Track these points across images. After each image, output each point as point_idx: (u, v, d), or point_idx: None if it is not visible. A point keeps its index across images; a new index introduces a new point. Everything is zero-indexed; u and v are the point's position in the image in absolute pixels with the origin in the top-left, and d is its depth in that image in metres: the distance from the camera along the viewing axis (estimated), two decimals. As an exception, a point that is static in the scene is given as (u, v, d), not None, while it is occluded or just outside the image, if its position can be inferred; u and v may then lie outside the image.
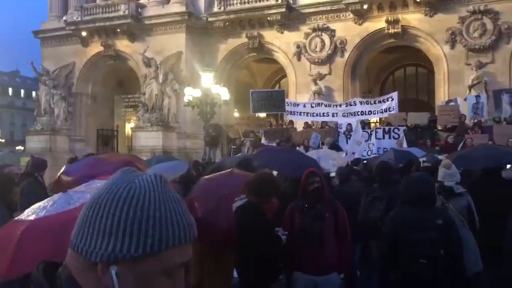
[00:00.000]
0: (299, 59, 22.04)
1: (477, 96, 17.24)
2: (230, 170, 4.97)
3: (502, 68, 18.68)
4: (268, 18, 22.08)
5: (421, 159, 8.23)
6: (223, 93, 16.73)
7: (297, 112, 18.37)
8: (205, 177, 4.74)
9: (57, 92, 24.29)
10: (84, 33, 24.54)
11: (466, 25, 19.01)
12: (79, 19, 24.37)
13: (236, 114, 24.38)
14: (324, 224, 4.12)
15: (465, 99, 17.37)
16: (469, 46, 18.94)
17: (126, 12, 23.40)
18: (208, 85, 16.24)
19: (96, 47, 24.84)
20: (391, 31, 20.23)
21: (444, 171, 5.86)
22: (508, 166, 7.23)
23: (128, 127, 26.78)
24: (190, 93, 16.49)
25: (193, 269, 4.23)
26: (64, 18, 25.22)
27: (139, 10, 23.92)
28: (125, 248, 0.94)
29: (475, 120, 16.02)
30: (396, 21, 20.06)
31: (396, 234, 3.85)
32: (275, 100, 18.19)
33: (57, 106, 24.21)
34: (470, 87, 18.61)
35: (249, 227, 3.67)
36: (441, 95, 19.45)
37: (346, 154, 12.84)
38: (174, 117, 21.73)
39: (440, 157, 8.53)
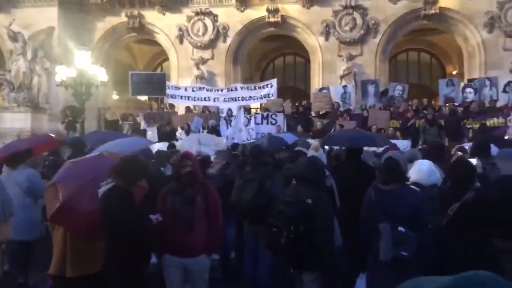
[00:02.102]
0: (181, 42, 21.76)
1: (345, 86, 18.61)
2: (99, 153, 4.76)
3: (369, 61, 20.33)
4: (150, -2, 21.42)
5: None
6: (101, 74, 15.89)
7: (178, 95, 18.18)
8: (71, 160, 4.47)
9: None
10: None
11: (338, 19, 20.31)
12: None
13: (115, 96, 23.35)
14: (195, 207, 4.16)
15: (335, 89, 18.63)
16: (341, 38, 20.28)
17: (-12, -21, 20.99)
18: (84, 65, 15.28)
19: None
20: (272, 20, 20.85)
21: (312, 154, 6.27)
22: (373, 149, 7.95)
23: (-10, 107, 24.18)
24: (63, 72, 15.38)
25: (54, 258, 4.00)
26: None
27: (4, -22, 21.58)
28: None
29: (345, 108, 17.29)
30: (276, 11, 20.71)
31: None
32: (155, 83, 17.75)
33: None
34: (342, 77, 20.02)
35: (115, 212, 3.56)
36: (316, 84, 20.60)
37: (226, 139, 13.04)
38: (45, 97, 20.07)
39: (310, 141, 9.06)
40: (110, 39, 22.68)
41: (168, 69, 23.27)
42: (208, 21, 21.41)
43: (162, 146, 10.11)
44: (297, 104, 18.54)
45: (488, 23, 19.18)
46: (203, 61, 21.40)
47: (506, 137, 11.45)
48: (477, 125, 14.13)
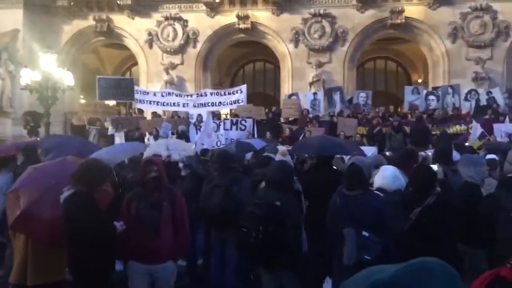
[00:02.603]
0: (151, 47, 21.59)
1: (315, 93, 18.84)
2: (63, 158, 4.67)
3: (337, 68, 20.65)
4: (118, 2, 21.15)
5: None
6: (67, 78, 15.55)
7: (147, 100, 18.01)
8: (33, 166, 4.37)
9: None
10: None
11: (308, 26, 20.57)
12: None
13: (82, 101, 22.92)
14: (161, 213, 4.12)
15: (305, 95, 18.84)
16: (310, 46, 20.54)
17: (-51, -21, 20.31)
18: (50, 68, 14.94)
19: None
20: (242, 26, 20.94)
21: (280, 158, 6.32)
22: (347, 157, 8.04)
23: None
24: (28, 76, 15.00)
25: (15, 266, 3.89)
26: None
27: (-34, -22, 20.93)
28: None
29: (314, 115, 17.48)
30: (246, 17, 20.81)
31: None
32: (123, 88, 17.54)
33: None
34: (311, 84, 20.24)
35: (77, 218, 3.50)
36: (286, 90, 20.76)
37: (195, 145, 12.97)
38: (9, 101, 19.50)
39: (279, 147, 9.11)
40: (77, 43, 22.30)
41: (137, 73, 23.02)
42: (178, 26, 21.32)
43: (130, 151, 9.95)
44: (266, 110, 18.65)
45: (452, 33, 19.80)
46: (173, 66, 21.28)
47: (466, 144, 11.80)
48: (435, 132, 14.57)
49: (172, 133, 15.18)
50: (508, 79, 19.60)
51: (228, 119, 15.70)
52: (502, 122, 14.31)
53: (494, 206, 4.06)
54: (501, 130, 13.55)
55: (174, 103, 18.05)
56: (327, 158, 6.46)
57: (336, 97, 18.24)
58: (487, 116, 15.40)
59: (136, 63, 23.39)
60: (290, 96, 18.97)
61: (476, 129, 13.75)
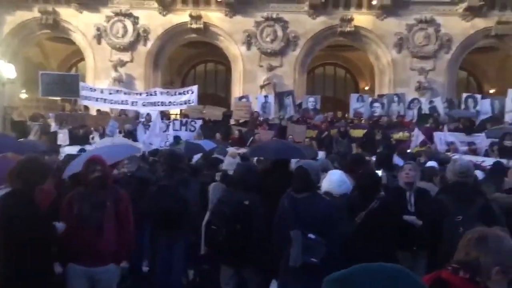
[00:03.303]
0: (99, 42, 20.95)
1: (266, 96, 18.95)
2: (2, 154, 4.42)
3: (288, 72, 20.90)
4: (66, -6, 20.43)
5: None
6: (8, 70, 14.85)
7: (94, 97, 17.45)
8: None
9: None
10: None
11: (260, 30, 20.70)
12: None
13: (24, 95, 21.86)
14: (104, 213, 3.98)
15: (256, 98, 18.91)
16: (262, 49, 20.67)
17: None
18: (-12, 60, 14.21)
19: None
20: (194, 26, 20.75)
21: (230, 160, 6.29)
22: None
23: None
24: (-36, 67, 14.19)
25: None
26: None
27: None
28: None
29: (264, 118, 17.56)
30: (198, 17, 20.65)
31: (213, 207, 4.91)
32: (68, 84, 16.89)
33: None
34: (262, 87, 20.36)
35: (13, 217, 3.30)
36: (237, 92, 20.76)
37: (143, 145, 12.70)
38: None
39: (228, 149, 9.09)
40: (20, 34, 21.27)
41: (84, 69, 22.26)
42: (128, 23, 20.82)
43: (72, 149, 9.61)
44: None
45: (398, 43, 20.54)
46: (122, 64, 20.76)
47: (408, 151, 12.25)
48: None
49: (119, 132, 14.78)
50: (448, 89, 20.58)
51: (177, 120, 15.51)
52: (442, 130, 14.96)
53: (438, 211, 4.21)
54: (441, 138, 14.16)
55: (122, 101, 17.60)
56: (283, 161, 6.49)
57: (288, 101, 18.43)
58: (428, 125, 16.06)
59: (83, 59, 22.60)
60: (241, 98, 18.98)
61: (418, 136, 14.31)
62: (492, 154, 12.37)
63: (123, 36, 20.79)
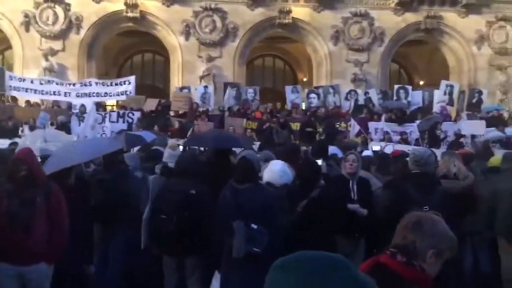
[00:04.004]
0: (27, 30, 19.81)
1: (205, 87, 18.82)
2: None
3: (228, 63, 20.84)
4: (-11, -22, 19.11)
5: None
6: None
7: (23, 88, 16.53)
8: None
9: None
10: None
11: (199, 20, 20.44)
12: None
13: None
14: (34, 209, 3.76)
15: (196, 89, 18.72)
16: (201, 39, 20.44)
17: None
18: None
19: None
20: (130, 15, 20.13)
21: (169, 152, 6.17)
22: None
23: None
24: None
25: None
26: None
27: None
28: None
29: (204, 109, 17.45)
30: (135, 6, 20.05)
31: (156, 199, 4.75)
32: (-8, 77, 15.88)
33: None
34: (201, 78, 20.16)
35: None
36: (176, 83, 20.45)
37: (78, 137, 12.21)
38: None
39: (169, 141, 8.93)
40: None
41: (11, 58, 20.99)
42: (59, 10, 19.82)
43: (1, 143, 9.06)
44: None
45: (334, 36, 21.05)
46: (53, 53, 19.77)
47: (345, 140, 12.62)
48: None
49: (51, 124, 14.13)
50: (381, 81, 21.40)
51: (114, 111, 15.05)
52: (376, 120, 15.56)
53: (399, 199, 4.32)
54: (376, 128, 14.73)
55: (54, 92, 16.80)
56: (224, 151, 6.45)
57: (231, 92, 18.39)
58: (363, 115, 16.65)
59: (10, 47, 21.29)
60: (182, 89, 18.70)
61: (354, 126, 14.80)
62: (423, 143, 13.01)
63: (53, 23, 19.78)
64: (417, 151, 5.09)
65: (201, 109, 17.28)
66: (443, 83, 19.20)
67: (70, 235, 4.03)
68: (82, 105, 15.61)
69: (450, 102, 18.77)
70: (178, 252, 4.68)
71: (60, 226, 3.91)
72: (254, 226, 4.17)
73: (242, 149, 6.66)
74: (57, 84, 17.06)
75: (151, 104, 16.82)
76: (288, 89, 19.59)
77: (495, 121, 16.49)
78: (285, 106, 19.01)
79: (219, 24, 20.56)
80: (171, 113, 16.75)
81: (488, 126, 14.98)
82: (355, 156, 5.23)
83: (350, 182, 5.07)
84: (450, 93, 18.94)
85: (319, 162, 5.55)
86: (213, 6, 20.40)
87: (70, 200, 4.13)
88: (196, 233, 4.52)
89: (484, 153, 7.68)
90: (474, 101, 19.16)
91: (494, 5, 21.36)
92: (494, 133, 13.99)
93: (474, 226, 5.65)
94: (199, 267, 4.77)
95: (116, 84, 17.47)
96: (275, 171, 4.91)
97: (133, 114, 14.73)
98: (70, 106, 16.57)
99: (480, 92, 19.45)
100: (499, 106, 19.68)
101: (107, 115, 14.31)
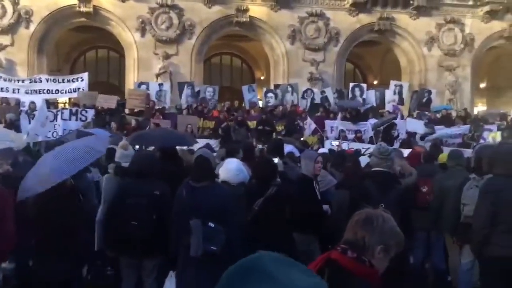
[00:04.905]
0: (-29, 23, 18.90)
1: (161, 85, 18.58)
2: None
3: (185, 61, 20.62)
4: None
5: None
6: None
7: (-32, 84, 15.76)
8: None
9: None
10: None
11: (155, 16, 20.11)
12: None
13: None
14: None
15: (152, 87, 18.42)
16: (157, 36, 20.12)
17: None
18: None
19: None
20: (83, 9, 19.52)
21: (121, 152, 6.06)
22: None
23: None
24: None
25: None
26: None
27: None
28: None
29: (160, 107, 17.22)
30: (88, 0, 19.45)
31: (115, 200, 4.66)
32: None
33: None
34: (158, 75, 19.85)
35: None
36: (131, 81, 20.04)
37: (27, 135, 11.76)
38: None
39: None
40: None
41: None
42: (7, 3, 18.97)
43: None
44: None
45: (291, 35, 21.25)
46: (1, 47, 18.95)
47: (302, 139, 12.80)
48: (280, 128, 15.60)
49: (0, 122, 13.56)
50: (337, 80, 21.81)
51: (66, 109, 14.60)
52: (332, 119, 15.86)
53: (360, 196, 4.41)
54: (332, 127, 15.01)
55: (2, 88, 16.09)
56: (172, 150, 6.40)
57: (187, 91, 18.22)
58: (319, 114, 16.96)
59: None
60: (140, 85, 18.35)
61: (310, 125, 15.03)
62: (377, 141, 13.35)
63: (1, 17, 18.94)
64: (382, 145, 5.24)
65: (156, 107, 17.06)
66: (392, 83, 19.94)
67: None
68: (32, 102, 15.06)
69: (400, 102, 19.46)
70: (139, 254, 4.64)
71: (6, 228, 3.77)
72: (211, 224, 4.17)
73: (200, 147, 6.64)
74: (5, 80, 16.33)
75: (110, 101, 16.44)
76: (244, 88, 19.69)
77: (444, 120, 17.23)
78: (243, 105, 19.06)
79: (175, 21, 20.31)
80: (126, 111, 16.45)
81: (437, 124, 15.65)
82: (321, 157, 5.38)
83: (314, 182, 5.19)
84: (400, 93, 19.68)
85: (275, 160, 5.60)
86: (169, 2, 20.11)
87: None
88: (158, 234, 4.50)
89: (434, 151, 7.98)
90: (424, 100, 19.94)
91: (443, 8, 22.17)
92: (443, 131, 14.61)
93: (426, 223, 5.89)
94: (157, 267, 4.75)
95: (68, 81, 16.93)
96: (231, 169, 4.93)
97: (87, 112, 14.33)
98: (19, 103, 15.96)
99: (430, 92, 20.24)
100: (448, 106, 20.50)
101: (59, 113, 13.85)
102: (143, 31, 20.12)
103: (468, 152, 8.38)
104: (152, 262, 4.72)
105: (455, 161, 6.01)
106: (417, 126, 15.01)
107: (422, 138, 13.84)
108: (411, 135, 14.58)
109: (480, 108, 24.09)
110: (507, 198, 3.99)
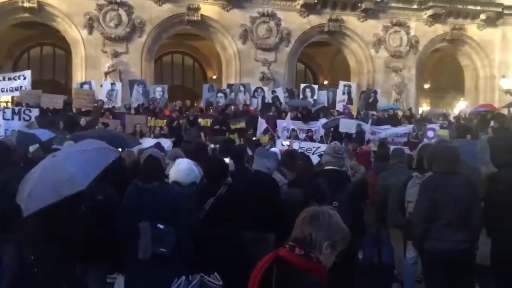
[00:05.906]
0: None
1: (113, 84, 18.14)
2: None
3: (135, 59, 20.20)
4: None
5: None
6: None
7: None
8: None
9: None
10: None
11: (103, 13, 19.57)
12: None
13: None
14: None
15: (101, 85, 17.96)
16: (105, 34, 19.59)
17: None
18: None
19: None
20: (26, 5, 18.71)
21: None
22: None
23: None
24: None
25: None
26: None
27: None
28: None
29: (109, 106, 16.82)
30: (30, -5, 18.71)
31: None
32: None
33: None
34: (106, 74, 19.33)
35: None
36: (79, 79, 19.42)
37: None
38: None
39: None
40: None
41: None
42: None
43: None
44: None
45: (243, 35, 21.27)
46: None
47: (254, 138, 12.89)
48: (235, 126, 15.65)
49: None
50: (288, 80, 22.05)
51: (8, 108, 14.00)
52: (283, 118, 16.04)
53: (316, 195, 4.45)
54: (284, 126, 15.18)
55: None
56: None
57: (138, 90, 17.89)
58: (271, 113, 17.11)
59: None
60: (82, 84, 17.82)
61: (261, 124, 15.14)
62: (327, 140, 13.65)
63: None
64: (337, 144, 5.33)
65: (106, 106, 16.64)
66: (341, 83, 20.52)
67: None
68: (-28, 101, 14.32)
69: (350, 101, 20.01)
70: (85, 260, 4.40)
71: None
72: (160, 226, 4.10)
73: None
74: None
75: (55, 101, 15.88)
76: (205, 87, 19.73)
77: (390, 119, 17.82)
78: (195, 104, 18.96)
79: (125, 18, 19.85)
80: (74, 110, 15.96)
81: (384, 124, 16.18)
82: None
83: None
84: (349, 93, 20.28)
85: (227, 160, 5.59)
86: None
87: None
88: (105, 238, 4.29)
89: (382, 150, 8.22)
90: (370, 100, 20.59)
91: (389, 11, 22.85)
92: (390, 130, 15.13)
93: (374, 219, 6.08)
94: (103, 272, 4.61)
95: (10, 79, 16.26)
96: (181, 169, 4.87)
97: (30, 111, 13.78)
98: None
99: (375, 92, 20.93)
100: (394, 105, 21.21)
101: (1, 112, 13.26)
102: (90, 28, 19.54)
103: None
104: (97, 268, 4.54)
105: (397, 158, 6.24)
106: (349, 126, 15.24)
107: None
108: (361, 134, 14.98)
109: (424, 108, 25.05)
110: (444, 194, 4.16)
